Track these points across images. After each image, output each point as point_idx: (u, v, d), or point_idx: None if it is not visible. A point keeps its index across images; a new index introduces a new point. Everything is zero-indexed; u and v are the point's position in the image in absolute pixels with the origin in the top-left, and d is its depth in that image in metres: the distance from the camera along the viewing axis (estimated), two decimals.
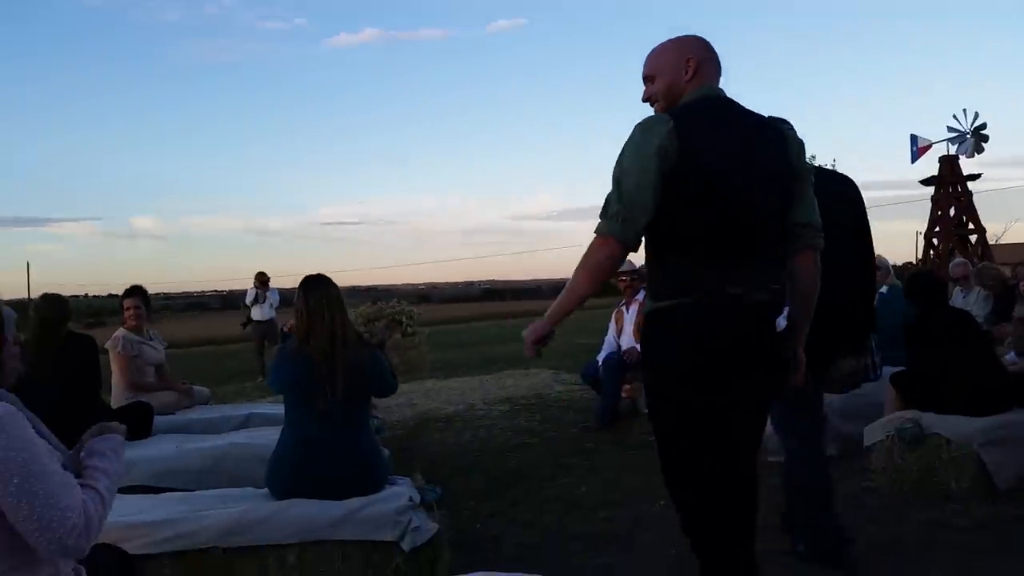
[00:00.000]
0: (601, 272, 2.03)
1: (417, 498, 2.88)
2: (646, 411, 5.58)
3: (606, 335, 6.24)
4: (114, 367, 5.01)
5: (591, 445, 5.25)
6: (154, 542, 2.53)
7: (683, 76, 2.07)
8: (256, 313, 11.60)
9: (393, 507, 2.73)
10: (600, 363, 5.90)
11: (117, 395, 4.95)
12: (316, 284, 2.96)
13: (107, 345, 5.11)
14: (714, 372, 1.93)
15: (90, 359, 3.87)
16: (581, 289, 2.03)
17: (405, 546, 2.68)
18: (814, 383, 2.70)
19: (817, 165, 3.55)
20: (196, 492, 3.02)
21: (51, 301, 4.01)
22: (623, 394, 5.64)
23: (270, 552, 2.61)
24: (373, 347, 3.05)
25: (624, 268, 5.56)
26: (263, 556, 2.61)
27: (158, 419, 4.56)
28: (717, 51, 2.13)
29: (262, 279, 11.66)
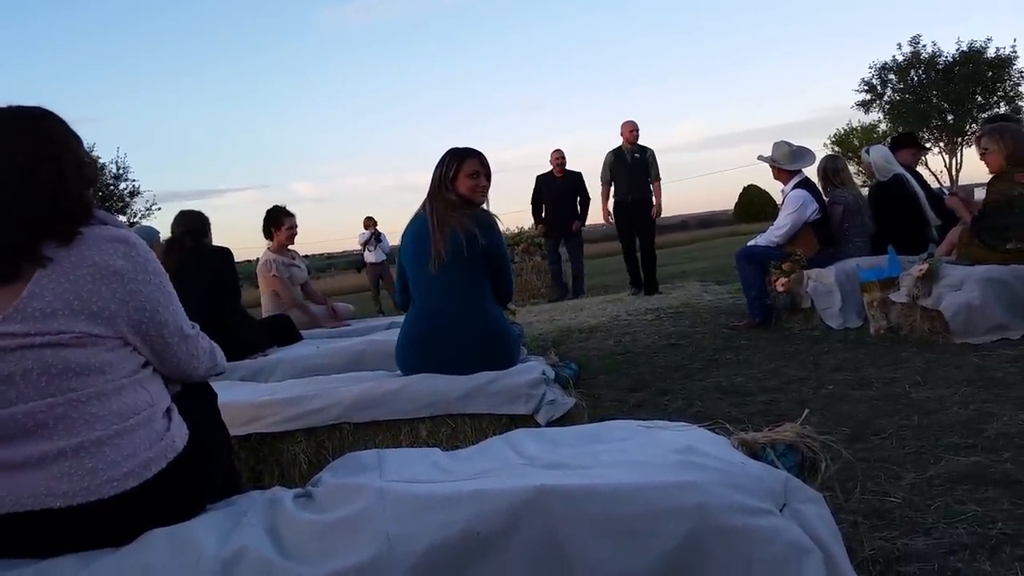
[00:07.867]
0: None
1: (551, 374, 2.67)
2: (808, 306, 5.13)
3: None
4: (265, 288, 5.12)
5: (746, 341, 4.84)
6: (285, 419, 2.48)
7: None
8: (370, 256, 11.88)
9: (525, 380, 2.53)
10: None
11: (267, 312, 5.08)
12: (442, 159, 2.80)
13: (257, 269, 5.24)
14: (621, 212, 8.38)
15: (229, 268, 3.93)
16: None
17: (540, 420, 2.47)
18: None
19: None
20: (328, 376, 2.96)
21: (189, 214, 4.11)
22: (780, 288, 5.12)
23: (402, 426, 2.50)
24: (491, 218, 2.80)
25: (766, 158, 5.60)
26: (395, 430, 2.50)
27: (308, 332, 4.63)
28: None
29: (371, 222, 11.84)
